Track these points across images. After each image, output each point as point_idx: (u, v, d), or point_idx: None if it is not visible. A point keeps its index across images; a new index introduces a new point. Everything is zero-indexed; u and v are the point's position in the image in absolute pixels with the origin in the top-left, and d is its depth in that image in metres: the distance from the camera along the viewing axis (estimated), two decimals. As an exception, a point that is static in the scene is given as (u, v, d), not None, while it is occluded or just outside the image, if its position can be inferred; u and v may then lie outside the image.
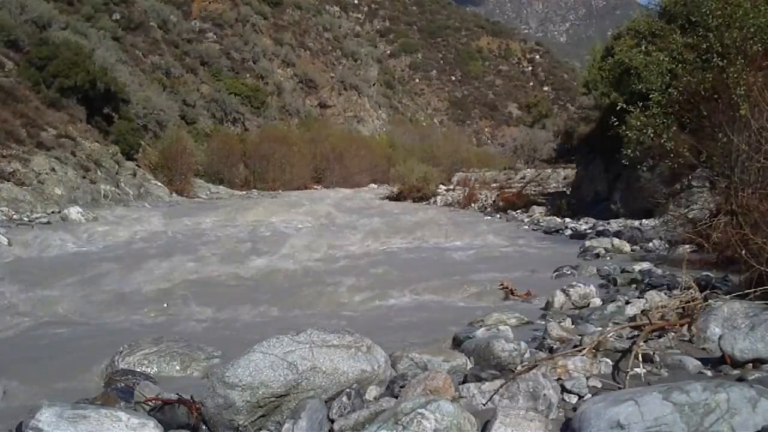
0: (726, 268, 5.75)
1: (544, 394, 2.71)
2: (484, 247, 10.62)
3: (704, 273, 5.63)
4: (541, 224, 14.31)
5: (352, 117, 59.99)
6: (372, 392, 2.91)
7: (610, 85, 14.35)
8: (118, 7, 42.82)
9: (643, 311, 4.15)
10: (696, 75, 7.82)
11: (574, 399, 2.84)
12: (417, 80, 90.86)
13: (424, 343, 3.96)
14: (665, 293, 5.04)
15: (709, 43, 7.74)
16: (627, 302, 4.84)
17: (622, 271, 6.85)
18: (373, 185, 40.80)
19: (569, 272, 7.28)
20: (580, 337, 3.74)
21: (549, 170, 26.80)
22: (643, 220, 11.96)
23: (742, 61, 6.98)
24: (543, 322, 4.48)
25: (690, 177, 10.68)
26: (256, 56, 51.94)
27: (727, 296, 4.28)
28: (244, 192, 33.78)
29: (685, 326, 3.86)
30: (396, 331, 4.83)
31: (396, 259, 9.21)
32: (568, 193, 20.39)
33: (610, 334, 3.56)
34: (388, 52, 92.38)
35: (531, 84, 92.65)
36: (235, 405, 2.59)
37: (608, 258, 8.48)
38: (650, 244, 9.05)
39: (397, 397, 2.76)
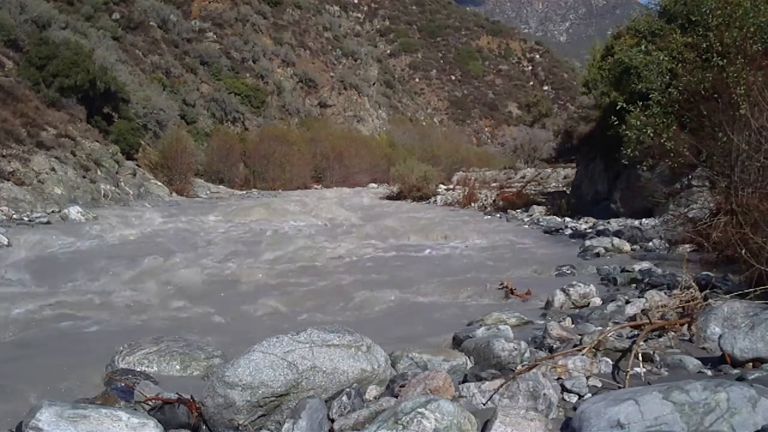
0: (726, 267, 5.74)
1: (544, 394, 2.71)
2: (484, 246, 10.62)
3: (704, 272, 5.63)
4: (541, 224, 14.30)
5: (352, 116, 59.97)
6: (372, 392, 2.91)
7: (610, 85, 14.34)
8: (118, 6, 42.80)
9: (643, 311, 4.15)
10: (696, 74, 7.80)
11: (574, 398, 2.84)
12: (417, 80, 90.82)
13: (424, 343, 3.96)
14: (665, 293, 5.03)
15: (709, 43, 7.73)
16: (627, 302, 4.84)
17: (622, 270, 6.84)
18: (373, 185, 40.80)
19: (569, 271, 7.28)
20: (580, 337, 3.74)
21: (549, 170, 26.82)
22: (643, 220, 11.95)
23: (742, 60, 6.97)
24: (543, 322, 4.49)
25: (690, 176, 10.68)
26: (256, 56, 51.91)
27: (727, 296, 4.28)
28: (244, 191, 33.78)
29: (685, 326, 3.86)
30: (396, 330, 4.83)
31: (395, 259, 9.21)
32: (568, 192, 20.39)
33: (610, 334, 3.55)
34: (388, 51, 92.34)
35: (531, 83, 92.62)
36: (235, 404, 2.59)
37: (608, 257, 8.48)
38: (650, 244, 9.04)
39: (397, 397, 2.76)
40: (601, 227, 11.68)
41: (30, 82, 23.10)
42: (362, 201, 25.92)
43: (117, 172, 23.64)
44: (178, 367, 3.71)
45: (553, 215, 15.96)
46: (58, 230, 12.19)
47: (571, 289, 5.36)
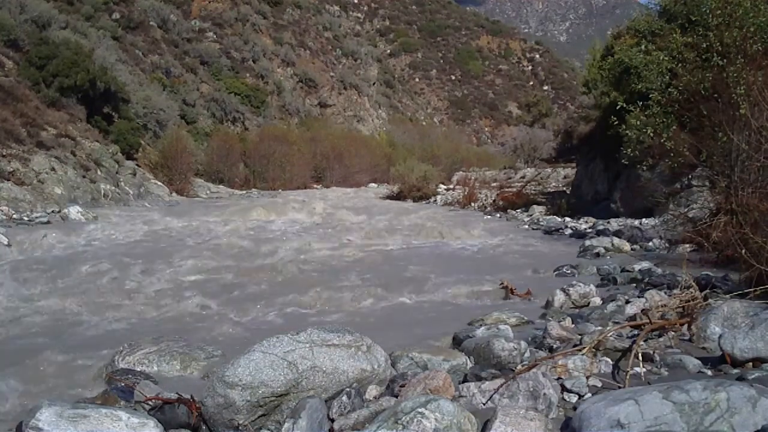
0: (726, 267, 5.75)
1: (544, 394, 2.71)
2: (484, 246, 10.62)
3: (704, 272, 5.63)
4: (541, 223, 14.30)
5: (352, 116, 59.96)
6: (372, 391, 2.91)
7: (610, 85, 14.35)
8: (117, 6, 42.80)
9: (643, 310, 4.15)
10: (696, 74, 7.81)
11: (574, 398, 2.84)
12: (417, 79, 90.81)
13: (424, 343, 3.96)
14: (665, 292, 5.04)
15: (709, 43, 7.73)
16: (627, 301, 4.84)
17: (622, 270, 6.85)
18: (373, 184, 40.80)
19: (569, 271, 7.28)
20: (580, 337, 3.75)
21: (549, 169, 26.84)
22: (643, 219, 11.96)
23: (742, 60, 6.97)
24: (543, 322, 4.49)
25: (690, 176, 10.68)
26: (256, 56, 51.90)
27: (727, 295, 4.28)
28: (244, 191, 33.76)
29: (685, 325, 3.86)
30: (396, 330, 4.83)
31: (395, 259, 9.21)
32: (568, 192, 20.40)
33: (610, 334, 3.55)
34: (388, 51, 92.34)
35: (531, 83, 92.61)
36: (235, 404, 2.59)
37: (608, 257, 8.47)
38: (650, 244, 9.05)
39: (397, 397, 2.76)
40: (601, 227, 11.68)
41: (30, 82, 23.09)
42: (362, 201, 25.91)
43: (117, 172, 23.62)
44: (178, 367, 3.72)
45: (553, 215, 15.96)
46: (58, 230, 12.18)
47: (571, 288, 5.36)
